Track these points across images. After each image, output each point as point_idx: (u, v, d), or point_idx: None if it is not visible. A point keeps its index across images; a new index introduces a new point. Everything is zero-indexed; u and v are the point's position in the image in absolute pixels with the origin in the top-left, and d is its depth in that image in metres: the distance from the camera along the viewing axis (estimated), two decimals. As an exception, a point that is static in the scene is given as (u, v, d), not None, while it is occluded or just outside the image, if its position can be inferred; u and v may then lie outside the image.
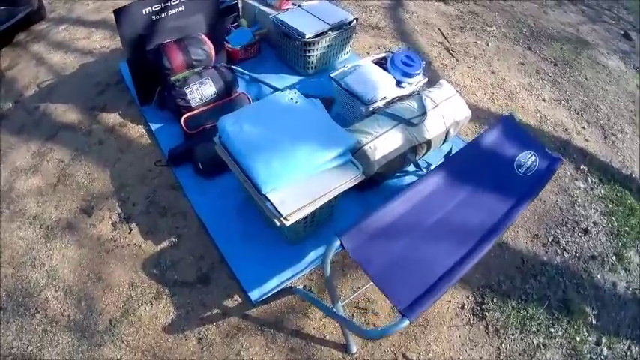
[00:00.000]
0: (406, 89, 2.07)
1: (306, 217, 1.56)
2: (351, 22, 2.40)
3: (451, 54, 2.86)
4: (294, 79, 2.53)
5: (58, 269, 1.84)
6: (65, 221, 2.02)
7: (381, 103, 2.00)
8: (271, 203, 1.46)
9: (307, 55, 2.38)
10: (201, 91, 2.20)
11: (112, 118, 2.44)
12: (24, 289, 1.78)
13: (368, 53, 2.80)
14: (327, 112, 1.76)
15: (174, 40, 2.24)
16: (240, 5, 2.77)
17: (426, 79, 2.17)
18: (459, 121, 1.97)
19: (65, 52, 2.98)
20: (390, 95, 2.02)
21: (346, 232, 1.25)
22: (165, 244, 1.88)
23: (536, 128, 2.43)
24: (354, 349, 1.58)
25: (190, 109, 2.21)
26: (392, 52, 2.17)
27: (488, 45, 2.99)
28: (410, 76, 2.07)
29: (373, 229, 1.30)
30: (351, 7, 3.18)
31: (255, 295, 1.66)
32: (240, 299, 1.71)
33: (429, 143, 1.87)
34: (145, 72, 2.27)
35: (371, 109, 1.99)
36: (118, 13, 2.07)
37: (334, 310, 1.41)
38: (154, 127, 2.32)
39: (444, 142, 1.99)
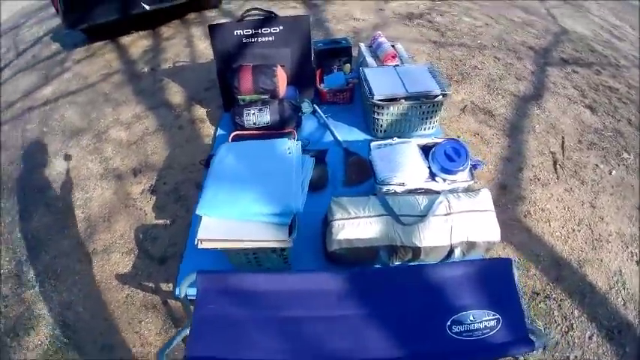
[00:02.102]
0: (440, 185, 1.80)
1: (248, 255, 1.58)
2: (435, 97, 2.19)
3: (555, 168, 2.35)
4: (362, 136, 2.38)
5: (92, 200, 2.40)
6: (119, 172, 2.54)
7: (397, 189, 1.77)
8: (199, 223, 1.53)
9: (376, 117, 2.23)
10: (257, 117, 2.28)
11: (200, 112, 2.83)
12: (66, 203, 2.40)
13: (458, 136, 2.50)
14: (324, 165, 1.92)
15: (253, 64, 2.37)
16: (354, 51, 2.78)
17: (472, 182, 1.83)
18: (476, 243, 1.61)
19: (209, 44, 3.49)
20: (412, 184, 1.77)
21: (207, 274, 1.22)
22: (160, 222, 2.22)
23: (600, 295, 1.83)
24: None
25: (243, 128, 2.32)
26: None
27: (610, 173, 2.35)
28: (448, 172, 1.77)
29: (234, 286, 1.24)
30: (478, 87, 2.91)
31: (178, 291, 1.63)
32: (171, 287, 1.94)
33: (416, 250, 1.57)
34: (228, 85, 2.46)
35: (384, 190, 1.78)
36: (213, 28, 2.33)
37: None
38: (219, 131, 2.52)
39: (447, 258, 1.65)
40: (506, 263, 1.27)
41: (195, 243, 1.49)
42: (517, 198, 2.19)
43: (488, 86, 2.95)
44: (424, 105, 2.18)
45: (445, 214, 1.58)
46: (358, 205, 1.63)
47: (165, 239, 2.10)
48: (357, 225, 1.57)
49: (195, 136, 2.65)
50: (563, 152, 2.46)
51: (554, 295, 1.82)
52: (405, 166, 1.80)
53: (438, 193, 1.70)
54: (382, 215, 1.59)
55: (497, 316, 1.18)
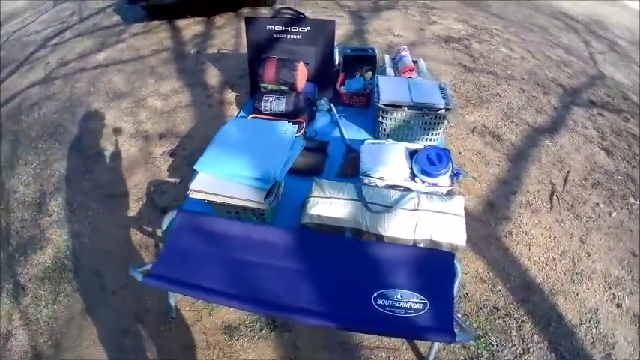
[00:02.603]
0: (418, 185, 1.88)
1: (230, 213, 1.77)
2: (438, 109, 2.27)
3: (551, 199, 2.35)
4: (367, 137, 2.43)
5: (118, 153, 2.70)
6: (147, 134, 2.84)
7: (378, 182, 1.87)
8: (194, 176, 1.77)
9: (381, 120, 2.35)
10: (274, 104, 2.47)
11: (230, 95, 3.09)
12: (96, 151, 2.73)
13: (460, 153, 2.57)
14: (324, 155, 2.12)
15: (279, 57, 2.55)
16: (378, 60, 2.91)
17: (451, 187, 1.89)
18: (439, 244, 1.67)
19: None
20: (392, 181, 1.87)
21: (185, 213, 1.52)
22: (171, 180, 2.47)
23: (567, 328, 1.80)
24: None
25: (260, 112, 2.51)
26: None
27: (610, 215, 2.32)
28: (427, 174, 1.85)
29: (205, 226, 1.51)
30: (494, 112, 2.96)
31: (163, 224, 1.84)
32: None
33: (380, 239, 1.65)
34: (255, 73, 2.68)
35: (365, 181, 1.88)
36: (248, 21, 2.56)
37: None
38: (241, 113, 2.71)
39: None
40: (449, 257, 1.36)
41: (188, 192, 1.71)
42: (502, 217, 2.22)
43: (504, 113, 2.98)
44: (427, 116, 2.27)
45: (412, 210, 1.67)
46: (335, 188, 1.76)
47: (172, 194, 2.33)
48: (329, 204, 1.70)
49: (221, 114, 2.90)
50: (564, 185, 2.46)
51: (515, 315, 1.82)
52: (388, 163, 1.91)
53: (413, 191, 1.80)
54: (353, 200, 1.70)
55: (425, 301, 1.26)
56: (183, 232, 1.50)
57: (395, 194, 1.76)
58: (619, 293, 1.96)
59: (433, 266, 1.35)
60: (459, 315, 1.78)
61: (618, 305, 1.91)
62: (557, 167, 2.58)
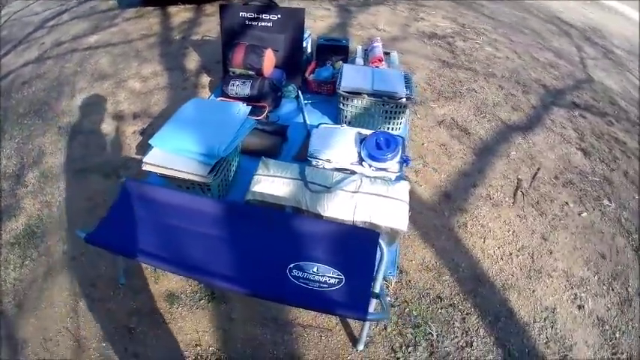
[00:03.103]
0: (365, 169, 1.83)
1: (181, 187, 1.87)
2: (399, 98, 2.22)
3: (515, 194, 2.27)
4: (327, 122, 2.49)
5: (94, 131, 2.72)
6: (123, 113, 2.87)
7: (326, 164, 1.84)
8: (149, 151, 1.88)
9: (342, 107, 2.33)
10: (239, 89, 2.49)
11: (204, 79, 3.15)
12: (74, 129, 2.76)
13: (423, 144, 2.52)
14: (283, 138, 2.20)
15: (249, 44, 2.58)
16: (350, 50, 2.90)
17: (398, 173, 1.85)
18: (379, 227, 1.63)
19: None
20: (339, 164, 1.83)
21: (132, 181, 1.60)
22: (138, 157, 2.47)
23: (518, 325, 1.72)
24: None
25: (227, 96, 2.54)
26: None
27: (580, 215, 2.23)
28: (374, 158, 1.81)
29: (147, 194, 1.57)
30: (467, 107, 2.90)
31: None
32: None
33: (319, 218, 1.63)
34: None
35: (313, 163, 1.85)
36: (223, 7, 2.61)
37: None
38: (212, 97, 2.82)
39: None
40: (373, 236, 1.32)
41: (142, 166, 1.82)
42: (458, 208, 2.15)
43: (477, 108, 2.91)
44: (387, 104, 2.24)
45: (353, 192, 1.65)
46: (280, 167, 1.76)
47: (136, 170, 2.32)
48: (271, 182, 1.70)
49: (193, 97, 2.87)
50: (531, 182, 2.38)
51: (460, 307, 1.75)
52: (336, 146, 1.89)
53: (355, 172, 1.77)
54: (295, 179, 1.69)
55: (342, 277, 1.23)
56: (125, 197, 1.57)
57: (337, 176, 1.72)
58: (582, 294, 1.86)
59: (356, 244, 1.31)
60: (387, 297, 1.75)
61: (580, 307, 1.81)
62: (527, 164, 2.50)
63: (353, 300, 1.19)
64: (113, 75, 3.28)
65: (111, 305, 1.76)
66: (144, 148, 2.48)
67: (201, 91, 2.98)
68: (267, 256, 1.31)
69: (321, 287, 1.21)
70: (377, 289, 1.29)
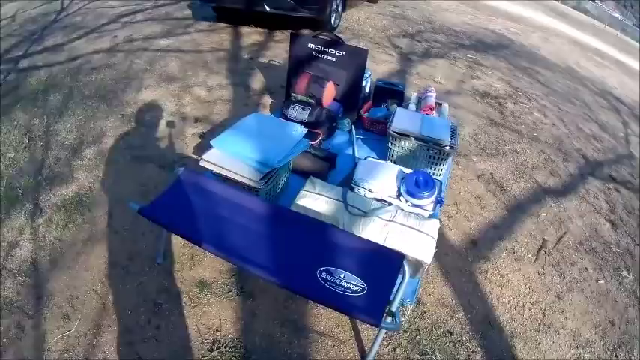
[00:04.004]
0: (402, 204, 2.08)
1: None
2: (444, 146, 2.47)
3: (538, 252, 2.46)
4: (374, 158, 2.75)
5: (157, 126, 3.02)
6: (185, 115, 3.22)
7: (367, 194, 2.10)
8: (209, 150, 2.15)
9: (390, 146, 2.60)
10: (298, 113, 2.80)
11: (266, 100, 3.57)
12: (138, 120, 3.10)
13: (459, 193, 2.75)
14: (331, 165, 2.53)
15: (313, 73, 2.92)
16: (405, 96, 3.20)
17: (432, 212, 2.08)
18: (406, 257, 1.86)
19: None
20: (379, 194, 2.09)
21: (188, 170, 1.89)
22: (194, 156, 2.81)
23: None
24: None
25: (286, 118, 2.83)
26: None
27: (597, 281, 2.39)
28: (411, 195, 2.05)
29: (201, 184, 1.85)
30: (506, 166, 3.11)
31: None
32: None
33: (353, 236, 1.88)
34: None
35: (355, 190, 2.12)
36: (294, 36, 2.96)
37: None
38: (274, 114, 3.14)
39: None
40: (398, 257, 1.56)
41: (200, 162, 2.09)
42: (482, 256, 2.35)
43: (516, 168, 3.13)
44: (432, 149, 2.50)
45: (387, 220, 1.90)
46: (325, 188, 2.04)
47: (191, 167, 2.59)
48: (315, 199, 1.97)
49: (255, 108, 3.32)
50: (556, 244, 2.56)
51: (467, 344, 1.92)
52: (379, 178, 2.15)
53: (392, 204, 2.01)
54: (337, 200, 1.96)
55: (365, 286, 1.48)
56: (182, 183, 1.84)
57: (375, 204, 1.98)
58: (586, 355, 2.00)
59: (381, 261, 1.55)
60: (401, 318, 1.93)
61: None
62: (555, 227, 2.69)
63: (371, 308, 1.41)
64: (181, 79, 3.67)
65: (143, 279, 1.97)
66: (201, 149, 2.76)
67: (261, 110, 3.33)
68: (302, 256, 1.56)
69: (345, 292, 1.44)
70: (393, 308, 1.50)
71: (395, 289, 1.50)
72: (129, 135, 2.93)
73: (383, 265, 1.53)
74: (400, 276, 1.53)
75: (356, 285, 1.45)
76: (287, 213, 1.85)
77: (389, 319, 1.47)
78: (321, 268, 1.48)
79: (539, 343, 2.01)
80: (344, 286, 1.45)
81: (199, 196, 1.82)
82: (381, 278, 1.49)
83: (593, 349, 2.04)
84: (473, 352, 1.90)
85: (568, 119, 4.18)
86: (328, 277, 1.46)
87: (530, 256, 2.44)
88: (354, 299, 1.42)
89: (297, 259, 1.55)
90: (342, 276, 1.47)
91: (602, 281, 2.42)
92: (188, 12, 5.38)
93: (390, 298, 1.49)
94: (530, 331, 2.05)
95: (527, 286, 2.27)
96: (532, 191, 2.96)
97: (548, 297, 2.24)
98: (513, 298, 2.19)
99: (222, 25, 4.99)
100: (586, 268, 2.47)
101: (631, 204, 3.15)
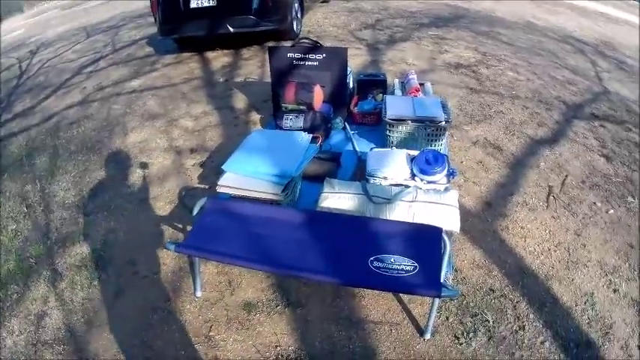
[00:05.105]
0: (418, 183, 2.24)
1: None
2: (439, 122, 2.65)
3: (548, 199, 2.65)
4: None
5: (153, 165, 3.08)
6: (179, 149, 3.28)
7: (382, 182, 2.26)
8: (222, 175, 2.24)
9: (388, 134, 2.77)
10: (293, 122, 2.95)
11: (254, 117, 3.66)
12: (133, 164, 3.16)
13: (462, 162, 2.93)
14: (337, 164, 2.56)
15: (298, 81, 3.06)
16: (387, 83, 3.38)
17: (448, 184, 2.26)
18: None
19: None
20: (395, 180, 2.25)
21: (212, 199, 1.98)
22: (201, 186, 2.86)
23: (562, 309, 2.02)
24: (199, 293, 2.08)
25: (281, 129, 2.98)
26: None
27: (607, 212, 2.60)
28: (425, 172, 2.22)
29: (230, 208, 1.97)
30: (497, 127, 3.31)
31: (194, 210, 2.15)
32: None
33: (385, 223, 2.03)
34: (277, 95, 3.20)
35: (371, 181, 2.27)
36: (271, 50, 3.09)
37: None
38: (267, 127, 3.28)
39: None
40: (437, 230, 1.72)
41: (217, 188, 2.19)
42: (499, 214, 2.53)
43: (506, 128, 3.34)
44: (428, 128, 2.68)
45: (410, 201, 2.05)
46: (344, 185, 2.18)
47: (201, 197, 2.68)
48: (337, 198, 2.11)
49: (246, 132, 3.34)
50: (561, 187, 2.76)
51: (510, 296, 2.08)
52: (391, 165, 2.31)
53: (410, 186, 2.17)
54: (359, 194, 2.11)
55: (416, 264, 1.63)
56: (210, 212, 1.94)
57: (395, 189, 2.14)
58: (616, 280, 2.18)
59: (424, 237, 1.70)
60: (449, 282, 2.08)
61: (615, 290, 2.13)
62: (556, 172, 2.90)
63: (428, 281, 1.56)
64: (164, 115, 3.74)
65: (187, 317, 1.98)
66: (206, 178, 2.87)
67: (252, 127, 3.44)
68: (350, 252, 1.69)
69: (400, 274, 1.58)
70: (442, 279, 1.65)
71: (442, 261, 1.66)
72: (128, 180, 2.97)
73: (426, 241, 1.68)
74: (442, 247, 1.69)
75: (408, 265, 1.60)
76: (320, 215, 1.98)
77: (443, 289, 1.63)
78: (372, 258, 1.61)
79: (572, 280, 2.18)
80: (398, 269, 1.59)
81: (231, 219, 1.91)
82: (427, 253, 1.64)
83: (621, 273, 2.23)
84: (517, 302, 2.05)
85: (540, 71, 4.43)
86: (380, 264, 1.60)
87: (541, 204, 2.63)
88: (410, 278, 1.56)
89: (346, 256, 1.68)
90: (392, 260, 1.62)
91: (611, 211, 2.63)
92: (149, 49, 5.47)
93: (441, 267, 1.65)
94: (561, 271, 2.22)
95: (546, 231, 2.45)
96: (526, 145, 3.16)
97: (568, 236, 2.42)
98: (538, 245, 2.36)
99: (187, 54, 5.11)
100: (594, 203, 2.67)
101: (618, 135, 3.39)
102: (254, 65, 4.51)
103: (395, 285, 1.57)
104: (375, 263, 1.61)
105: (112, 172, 3.08)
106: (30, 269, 2.35)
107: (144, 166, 3.10)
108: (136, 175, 3.02)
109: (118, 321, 2.00)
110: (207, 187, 2.81)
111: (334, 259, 1.68)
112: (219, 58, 4.89)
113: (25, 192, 2.96)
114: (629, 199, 2.74)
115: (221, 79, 4.36)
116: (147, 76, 4.64)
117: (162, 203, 2.71)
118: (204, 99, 3.99)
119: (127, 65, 5.01)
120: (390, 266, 1.60)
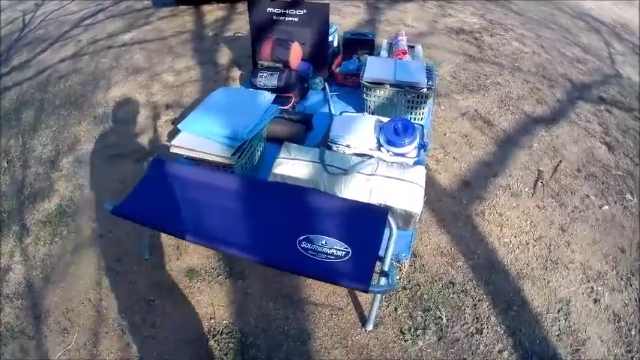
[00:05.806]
0: (384, 155, 1.85)
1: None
2: (420, 88, 2.21)
3: (535, 185, 2.23)
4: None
5: (130, 119, 2.86)
6: (156, 104, 3.00)
7: (346, 150, 1.87)
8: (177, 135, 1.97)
9: (365, 97, 2.34)
10: (267, 80, 2.55)
11: (235, 73, 3.30)
12: (111, 118, 2.91)
13: (445, 134, 2.50)
14: (308, 126, 2.30)
15: (276, 37, 2.64)
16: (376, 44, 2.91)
17: (416, 159, 1.86)
18: (394, 209, 1.64)
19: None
20: (359, 149, 1.85)
21: (158, 160, 1.72)
22: (169, 143, 2.31)
23: (531, 315, 1.66)
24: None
25: (255, 87, 2.59)
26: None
27: (601, 208, 2.15)
28: (392, 144, 1.83)
29: (172, 171, 1.68)
30: (490, 100, 2.86)
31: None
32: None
33: (334, 197, 1.66)
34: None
35: (333, 148, 1.89)
36: (252, 4, 2.68)
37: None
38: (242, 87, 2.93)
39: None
40: (382, 212, 1.33)
41: (170, 148, 1.91)
42: (476, 197, 2.13)
43: (501, 101, 2.86)
44: (409, 94, 2.24)
45: (369, 174, 1.67)
46: (301, 151, 1.81)
47: (167, 156, 2.40)
48: (292, 164, 1.75)
49: (224, 83, 3.09)
50: (552, 174, 2.32)
51: (472, 293, 1.72)
52: (356, 132, 1.91)
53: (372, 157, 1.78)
54: (314, 162, 1.74)
55: (349, 250, 1.26)
56: (152, 175, 1.67)
57: (355, 159, 1.75)
58: (599, 288, 1.79)
59: (364, 219, 1.33)
60: (397, 277, 1.75)
61: (596, 300, 1.74)
62: (549, 156, 2.44)
63: (358, 272, 1.22)
64: (147, 69, 3.42)
65: (133, 278, 1.85)
66: (174, 135, 2.56)
67: (231, 84, 3.08)
68: (280, 228, 1.37)
69: (328, 259, 1.24)
70: (386, 267, 1.31)
71: (385, 247, 1.30)
72: (103, 135, 2.72)
73: (366, 223, 1.31)
74: (387, 231, 1.32)
75: (339, 250, 1.25)
76: (262, 184, 1.66)
77: (383, 280, 1.28)
78: (301, 238, 1.27)
79: (548, 282, 1.81)
80: (327, 253, 1.24)
81: (171, 184, 1.62)
82: (365, 238, 1.28)
83: (606, 281, 1.82)
84: (479, 300, 1.71)
85: (548, 45, 3.84)
86: (309, 245, 1.25)
87: (527, 190, 2.21)
88: (339, 265, 1.21)
89: (275, 232, 1.35)
90: (323, 242, 1.26)
91: (606, 207, 2.19)
92: (148, 1, 5.01)
93: (381, 256, 1.28)
94: (537, 270, 1.84)
95: (528, 222, 2.05)
96: (521, 122, 2.69)
97: (551, 231, 2.02)
98: (515, 236, 1.98)
99: (183, 8, 4.65)
100: (587, 196, 2.23)
101: (625, 123, 2.87)
102: (245, 20, 3.97)
103: (319, 271, 1.22)
104: (304, 244, 1.27)
105: (89, 127, 2.82)
106: (2, 224, 2.21)
107: (120, 121, 2.84)
108: (110, 131, 2.77)
109: (72, 278, 1.90)
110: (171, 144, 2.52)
111: (263, 236, 1.36)
112: (213, 12, 4.42)
113: (9, 147, 2.74)
114: (628, 196, 2.27)
115: (210, 34, 3.93)
116: (140, 29, 4.24)
117: (131, 160, 2.48)
118: (190, 53, 3.59)
119: (123, 18, 4.61)
120: (319, 249, 1.26)
